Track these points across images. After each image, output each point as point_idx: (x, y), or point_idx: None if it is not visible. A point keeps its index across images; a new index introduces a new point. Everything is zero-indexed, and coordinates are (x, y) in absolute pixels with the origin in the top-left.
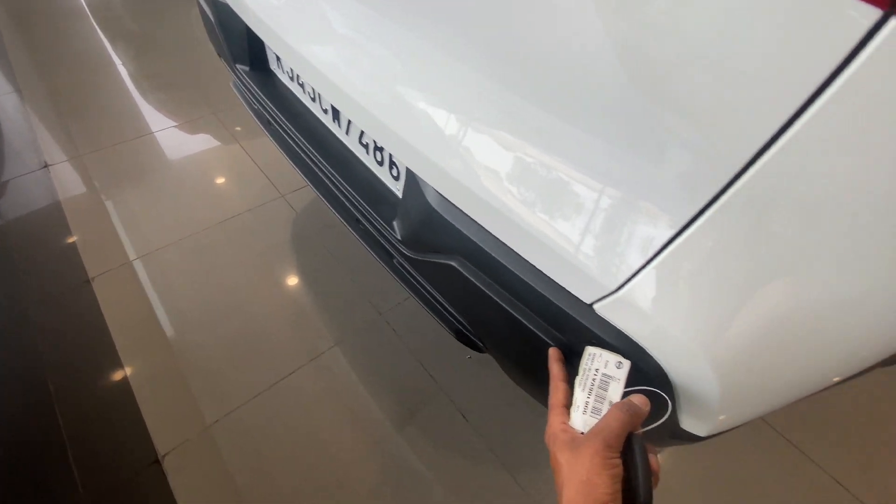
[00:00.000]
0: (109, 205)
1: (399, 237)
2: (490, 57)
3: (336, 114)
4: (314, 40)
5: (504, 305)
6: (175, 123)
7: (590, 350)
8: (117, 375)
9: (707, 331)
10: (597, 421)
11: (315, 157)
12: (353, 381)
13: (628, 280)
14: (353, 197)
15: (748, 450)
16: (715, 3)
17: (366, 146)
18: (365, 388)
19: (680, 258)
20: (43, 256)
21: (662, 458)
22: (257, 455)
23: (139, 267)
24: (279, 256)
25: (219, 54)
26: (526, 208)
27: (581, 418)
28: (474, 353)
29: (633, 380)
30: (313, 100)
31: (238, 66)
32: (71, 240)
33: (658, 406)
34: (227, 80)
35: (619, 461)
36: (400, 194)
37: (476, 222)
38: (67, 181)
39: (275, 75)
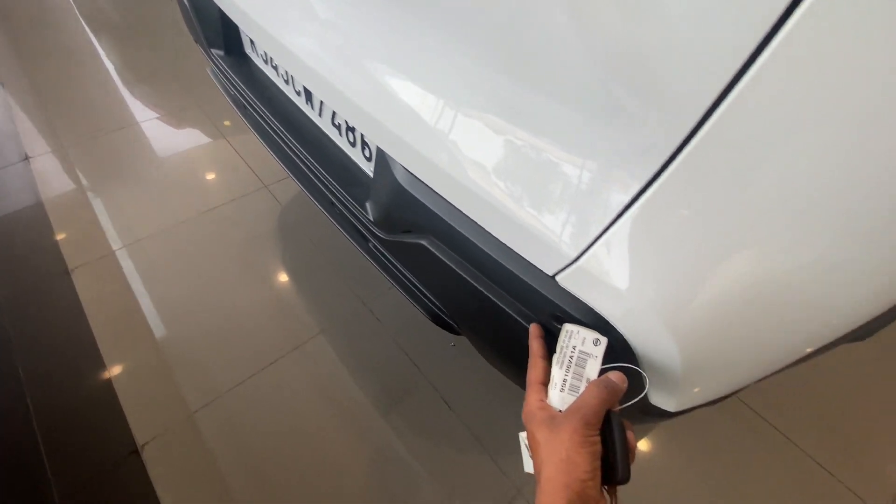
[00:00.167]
0: (91, 195)
1: (371, 218)
2: (449, 32)
3: (309, 95)
4: (284, 21)
5: (474, 283)
6: (158, 115)
7: (567, 327)
8: (96, 366)
9: (666, 299)
10: (574, 399)
11: (290, 140)
12: (337, 370)
13: (587, 248)
14: (327, 179)
15: (728, 433)
16: None
17: (338, 127)
18: (349, 376)
19: (638, 224)
20: (22, 248)
21: (642, 441)
22: (240, 443)
23: (121, 257)
24: (262, 246)
25: (195, 40)
26: (486, 179)
27: (559, 396)
28: (458, 341)
29: (608, 356)
30: (287, 82)
31: (213, 50)
32: (50, 230)
33: (634, 383)
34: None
35: (597, 439)
36: (372, 174)
37: (442, 197)
38: (48, 173)
39: (250, 59)
